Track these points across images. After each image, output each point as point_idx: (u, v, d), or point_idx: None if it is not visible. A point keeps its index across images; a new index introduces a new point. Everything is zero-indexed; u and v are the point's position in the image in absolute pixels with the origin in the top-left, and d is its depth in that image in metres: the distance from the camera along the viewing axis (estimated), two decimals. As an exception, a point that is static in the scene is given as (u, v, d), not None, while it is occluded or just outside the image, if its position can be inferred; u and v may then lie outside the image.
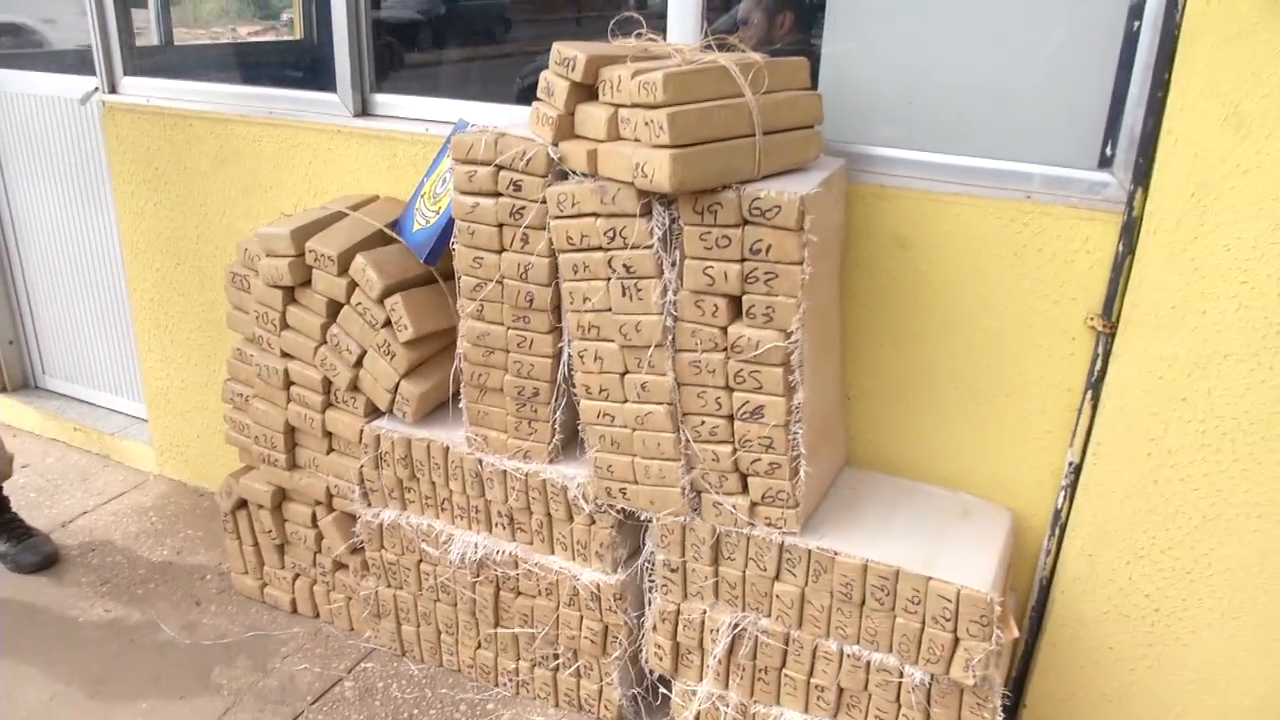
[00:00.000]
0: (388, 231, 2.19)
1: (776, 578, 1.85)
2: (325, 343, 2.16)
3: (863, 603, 1.78)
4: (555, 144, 1.72)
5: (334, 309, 2.15)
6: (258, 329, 2.24)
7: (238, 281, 2.28)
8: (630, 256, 1.68)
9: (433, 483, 2.15)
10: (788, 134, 1.65)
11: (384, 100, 2.42)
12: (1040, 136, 1.84)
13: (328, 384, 2.20)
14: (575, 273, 1.76)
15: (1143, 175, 1.68)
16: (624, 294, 1.72)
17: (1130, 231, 1.71)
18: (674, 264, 1.68)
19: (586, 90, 1.70)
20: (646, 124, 1.52)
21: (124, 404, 3.38)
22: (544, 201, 1.74)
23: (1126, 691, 1.93)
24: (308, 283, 2.15)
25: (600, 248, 1.71)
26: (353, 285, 2.10)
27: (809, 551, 1.80)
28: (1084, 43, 1.75)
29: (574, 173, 1.71)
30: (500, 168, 1.76)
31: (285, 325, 2.20)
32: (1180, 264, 1.67)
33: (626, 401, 1.82)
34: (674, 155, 1.49)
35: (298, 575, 2.49)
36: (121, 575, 2.65)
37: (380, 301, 2.06)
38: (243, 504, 2.48)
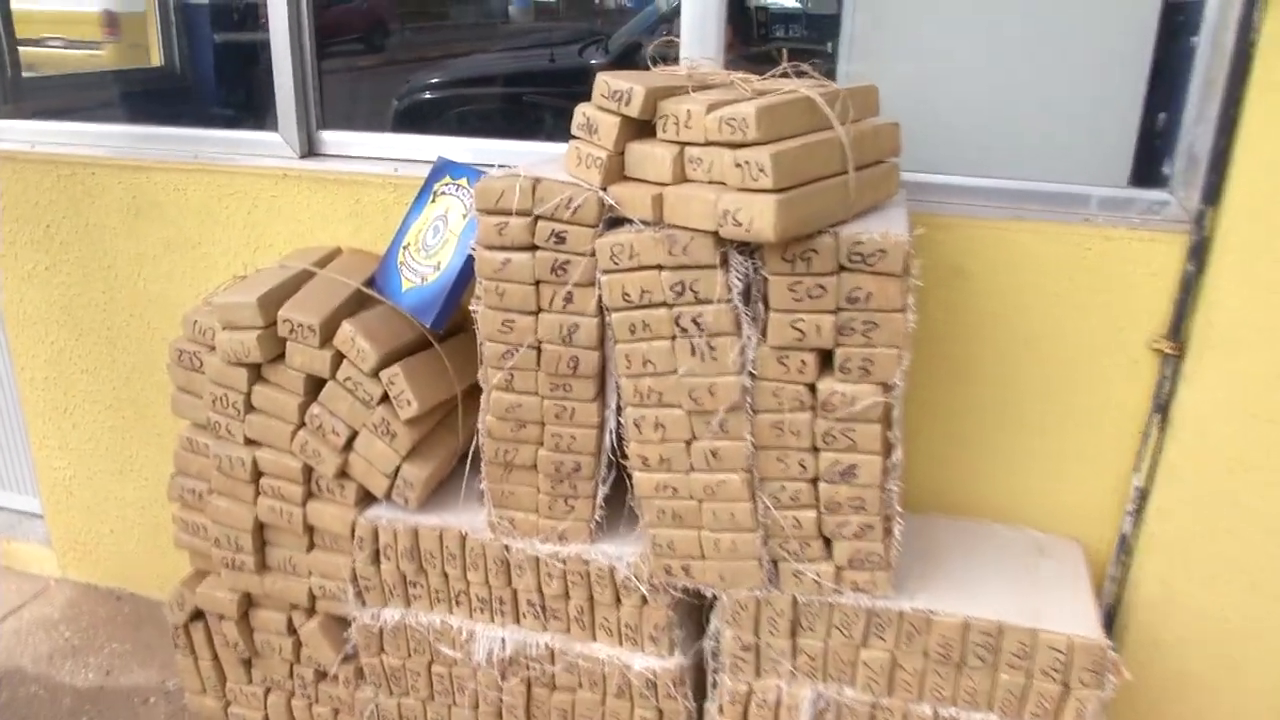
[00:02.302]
0: (367, 291, 1.90)
1: (863, 644, 1.70)
2: (304, 425, 1.85)
3: (962, 662, 1.65)
4: (604, 188, 1.50)
5: (314, 386, 1.84)
6: (214, 414, 1.90)
7: (185, 360, 1.93)
8: (703, 312, 1.49)
9: (445, 575, 1.88)
10: (873, 169, 1.50)
11: (334, 138, 2.12)
12: (1087, 155, 1.77)
13: (309, 472, 1.89)
14: (632, 333, 1.54)
15: (1213, 194, 1.63)
16: (694, 354, 1.52)
17: (1200, 251, 1.66)
18: (754, 318, 1.50)
19: (637, 127, 1.49)
20: (738, 165, 1.33)
21: (11, 499, 2.87)
22: (593, 254, 1.52)
23: (1205, 717, 1.89)
24: (280, 356, 1.84)
25: (665, 304, 1.51)
26: (338, 358, 1.80)
27: (901, 614, 1.66)
28: (1123, 59, 1.69)
29: (630, 221, 1.49)
30: (539, 218, 1.52)
31: (251, 408, 1.88)
32: (1257, 282, 1.63)
33: (693, 471, 1.62)
34: (780, 201, 1.30)
35: (270, 690, 2.15)
36: (43, 712, 2.23)
37: (375, 375, 1.78)
38: (198, 614, 2.12)
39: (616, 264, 1.51)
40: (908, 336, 1.46)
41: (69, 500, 2.62)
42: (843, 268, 1.43)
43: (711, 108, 1.38)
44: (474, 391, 1.84)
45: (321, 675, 2.09)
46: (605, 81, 1.47)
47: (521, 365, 1.64)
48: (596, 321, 1.57)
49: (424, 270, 1.82)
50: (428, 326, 1.76)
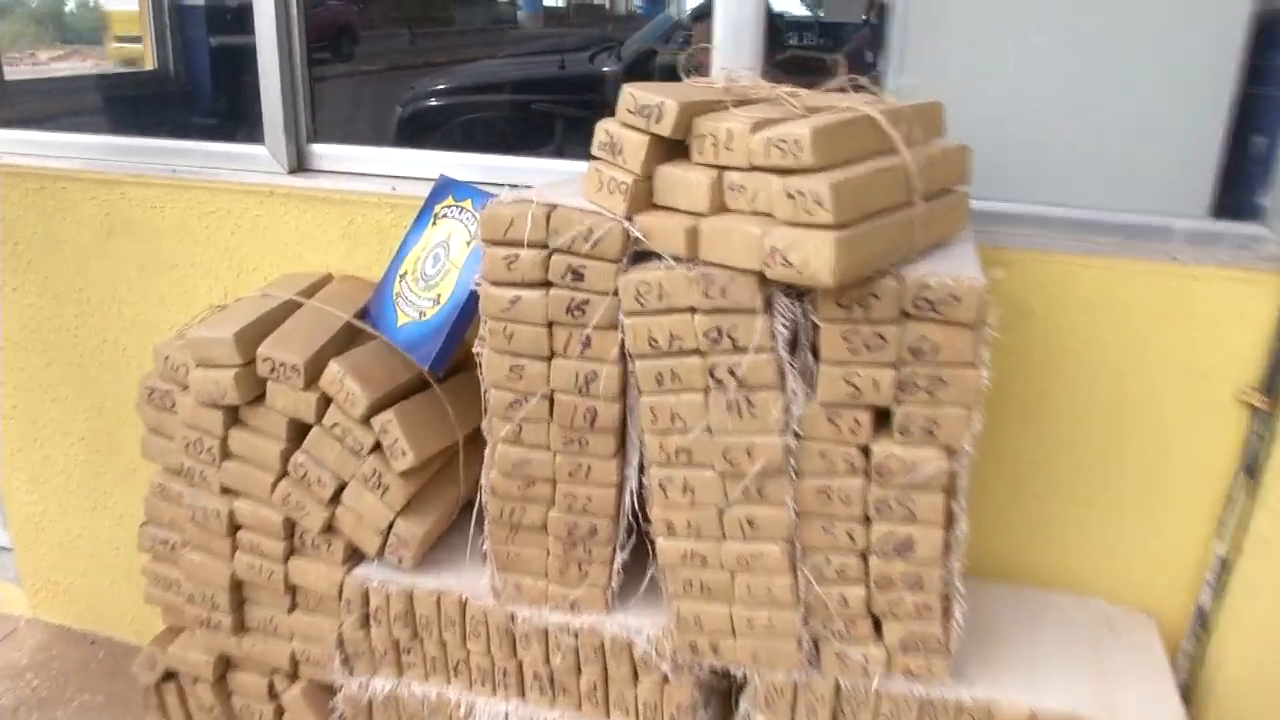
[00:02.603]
0: (359, 324, 1.71)
1: (916, 737, 1.50)
2: (287, 475, 1.65)
3: (1027, 760, 1.45)
4: (630, 218, 1.30)
5: (298, 431, 1.65)
6: (188, 459, 1.70)
7: (156, 399, 1.74)
8: (741, 363, 1.29)
9: (443, 642, 1.68)
10: (941, 199, 1.30)
11: (326, 152, 1.93)
12: (1165, 183, 1.57)
13: (291, 527, 1.70)
14: (659, 384, 1.35)
15: (1322, 229, 1.43)
16: (730, 410, 1.33)
17: (1304, 293, 1.46)
18: (801, 370, 1.30)
19: (668, 147, 1.30)
20: (790, 196, 1.13)
21: (-23, 534, 2.69)
22: (616, 294, 1.33)
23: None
24: (260, 398, 1.64)
25: (698, 352, 1.31)
26: (325, 401, 1.61)
27: (959, 704, 1.46)
28: (1203, 75, 1.50)
29: (659, 256, 1.30)
30: (554, 251, 1.33)
31: (228, 454, 1.68)
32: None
33: (725, 540, 1.42)
34: (839, 239, 1.11)
35: (249, 758, 1.95)
36: (0, 777, 2.04)
37: (366, 421, 1.58)
38: (170, 675, 1.92)
39: (643, 305, 1.31)
40: (980, 395, 1.26)
41: (40, 537, 2.43)
42: (907, 315, 1.23)
43: (757, 127, 1.19)
44: (477, 436, 1.64)
45: (305, 745, 1.89)
46: (632, 95, 1.28)
47: (531, 416, 1.44)
48: (618, 370, 1.37)
49: (422, 304, 1.62)
50: (425, 369, 1.56)
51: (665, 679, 1.57)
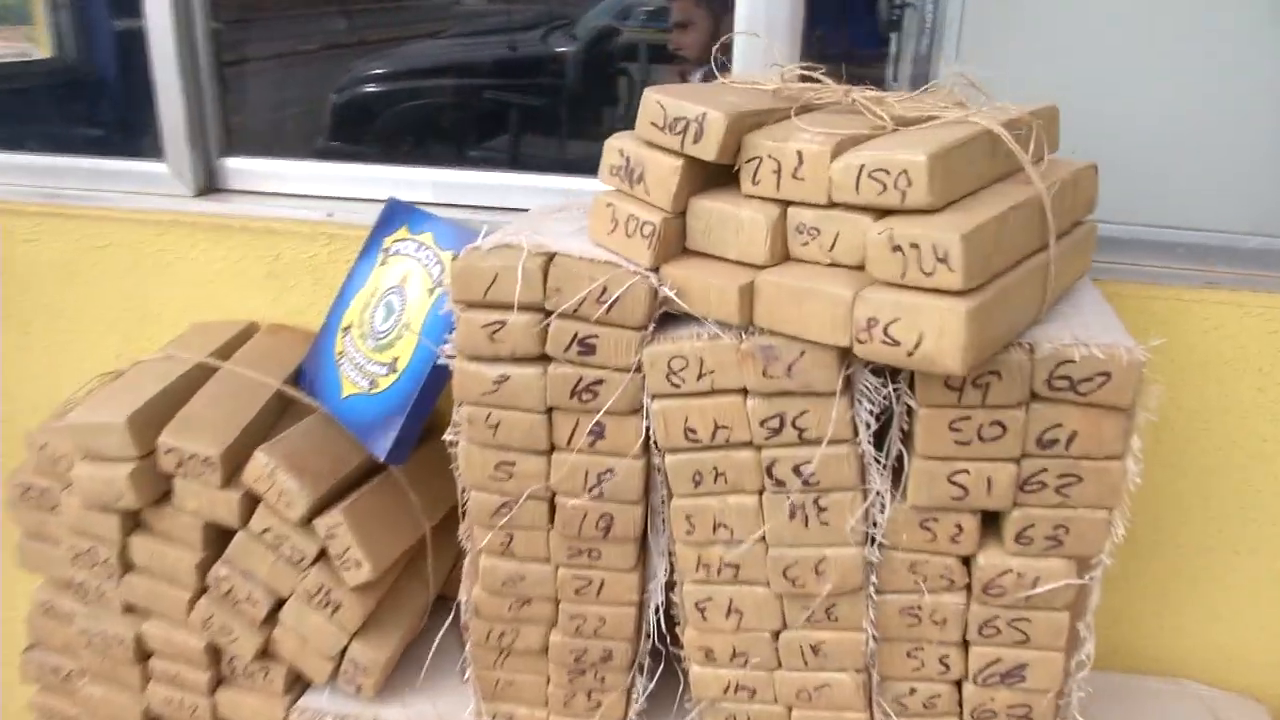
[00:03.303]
0: (291, 393, 1.35)
1: None
2: (206, 590, 1.30)
3: None
4: (656, 269, 0.97)
5: (218, 536, 1.29)
6: (79, 573, 1.34)
7: (33, 498, 1.36)
8: (811, 459, 0.97)
9: (417, 784, 1.35)
10: (1071, 235, 0.99)
11: (242, 167, 1.55)
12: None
13: (217, 652, 1.34)
14: (697, 484, 1.02)
15: None
16: (794, 516, 1.01)
17: None
18: (886, 465, 0.99)
19: (704, 172, 0.97)
20: (898, 248, 0.81)
21: None
22: (638, 370, 0.99)
23: None
24: (167, 495, 1.28)
25: (751, 445, 0.99)
26: (252, 500, 1.25)
27: None
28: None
29: (697, 320, 0.97)
30: (554, 316, 0.99)
31: (130, 566, 1.32)
32: None
33: (780, 669, 1.11)
34: (973, 311, 0.79)
35: None
36: None
37: (308, 523, 1.24)
38: (75, 823, 1.56)
39: (677, 386, 0.98)
40: (1124, 494, 0.96)
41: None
42: (1035, 396, 0.92)
43: (840, 148, 0.87)
44: (448, 520, 1.32)
45: None
46: (659, 103, 0.94)
47: (525, 523, 1.11)
48: (640, 465, 1.05)
49: (373, 370, 1.27)
50: (381, 458, 1.21)
51: (699, 824, 1.26)
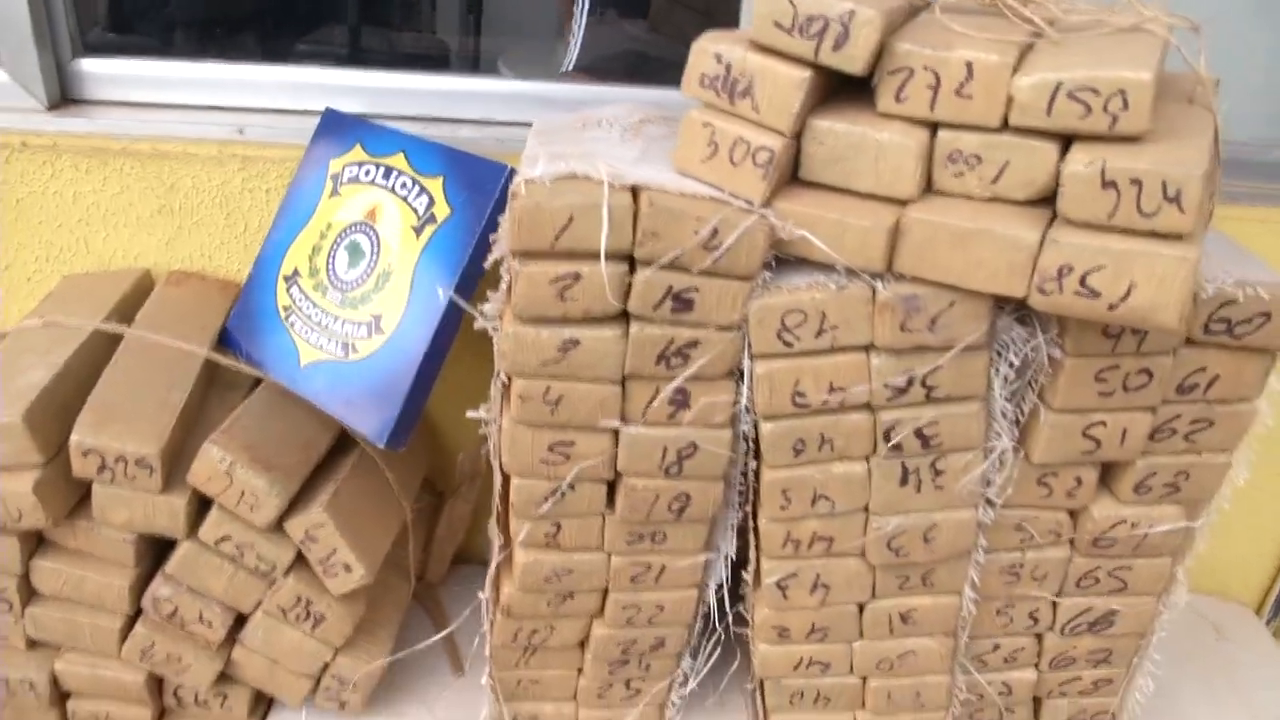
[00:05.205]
0: (225, 362, 1.08)
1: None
2: (142, 615, 1.04)
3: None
4: (769, 204, 0.79)
5: (151, 552, 1.03)
6: (-45, 609, 1.03)
7: (-125, 521, 1.03)
8: (940, 419, 0.85)
9: (417, 800, 1.18)
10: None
11: (114, 72, 1.19)
12: None
13: (159, 684, 1.09)
14: (797, 454, 0.88)
15: None
16: (906, 481, 0.89)
17: None
18: (1015, 424, 0.89)
19: (823, 84, 0.79)
20: (1110, 184, 0.68)
21: None
22: (739, 328, 0.83)
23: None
24: (80, 506, 1.00)
25: (868, 406, 0.85)
26: (200, 504, 0.99)
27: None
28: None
29: (812, 265, 0.81)
30: (651, 267, 0.80)
31: (34, 595, 1.03)
32: None
33: (861, 639, 1.01)
34: (1196, 262, 0.68)
35: None
36: None
37: (279, 525, 1.00)
38: None
39: (789, 344, 0.82)
40: (1245, 437, 0.91)
41: None
42: (1188, 341, 0.84)
43: (1023, 60, 0.72)
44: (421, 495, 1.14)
45: None
46: None
47: (577, 510, 0.93)
48: (728, 437, 0.89)
49: (345, 331, 1.02)
50: (381, 444, 0.98)
51: (741, 799, 1.17)
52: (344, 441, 1.11)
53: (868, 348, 0.83)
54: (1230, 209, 1.15)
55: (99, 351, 1.05)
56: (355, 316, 1.02)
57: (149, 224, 1.19)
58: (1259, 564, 1.44)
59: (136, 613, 1.04)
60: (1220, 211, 0.88)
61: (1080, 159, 0.70)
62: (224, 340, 1.12)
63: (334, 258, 1.05)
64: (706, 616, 1.04)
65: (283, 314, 1.08)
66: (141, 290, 1.16)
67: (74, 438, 0.93)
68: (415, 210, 1.01)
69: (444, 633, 1.21)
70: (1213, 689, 1.28)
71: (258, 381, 1.10)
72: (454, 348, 1.00)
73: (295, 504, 1.01)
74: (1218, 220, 0.89)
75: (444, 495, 1.26)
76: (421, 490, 1.23)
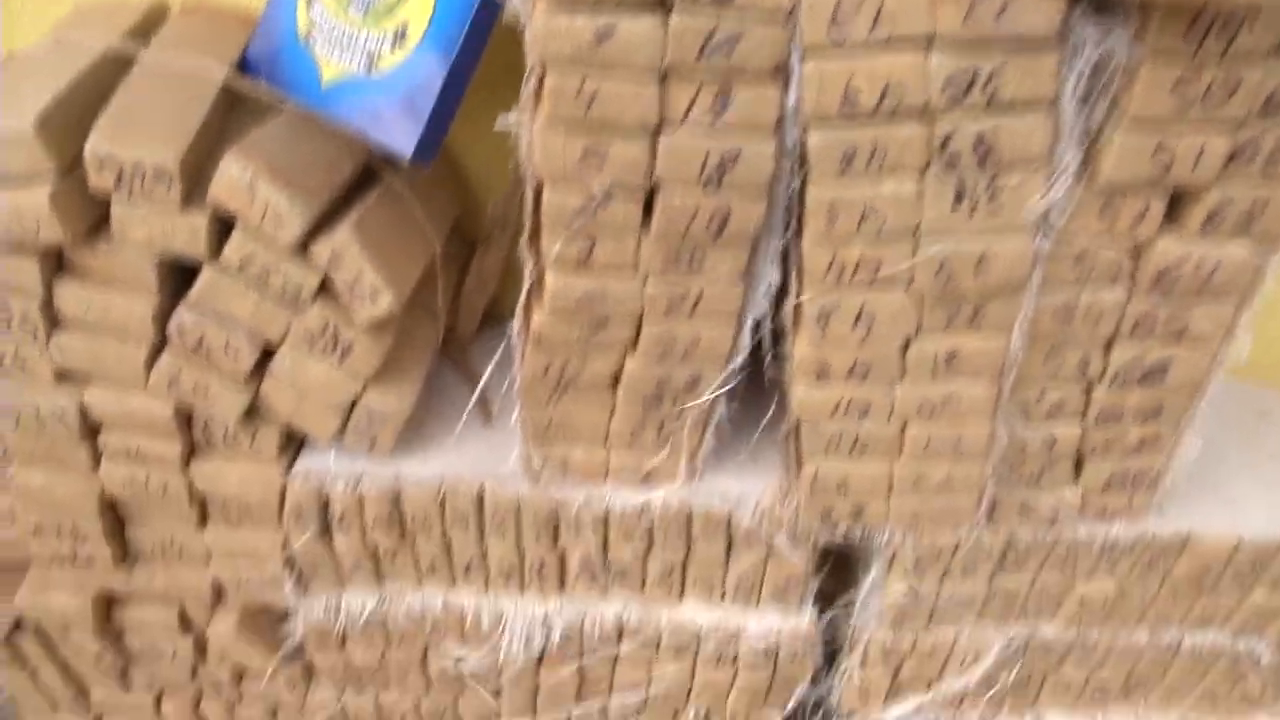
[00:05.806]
0: (244, 87, 1.02)
1: (1088, 578, 1.21)
2: (167, 343, 1.03)
3: (1213, 587, 1.21)
4: None
5: (176, 278, 1.01)
6: (-14, 333, 1.03)
7: (-104, 241, 1.01)
8: (1000, 129, 0.79)
9: (447, 544, 1.20)
10: None
11: None
12: None
13: (188, 417, 1.09)
14: (846, 166, 0.82)
15: None
16: (960, 200, 0.84)
17: None
18: (1083, 137, 0.82)
19: None
20: None
21: None
22: (788, 19, 0.76)
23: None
24: (101, 225, 0.97)
25: (924, 112, 0.79)
26: (222, 223, 0.96)
27: (1148, 542, 1.16)
28: None
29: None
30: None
31: (59, 323, 1.02)
32: None
33: (902, 380, 0.99)
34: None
35: (163, 695, 1.44)
36: None
37: (303, 249, 0.97)
38: (18, 624, 1.33)
39: (838, 39, 0.75)
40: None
41: None
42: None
43: None
44: (453, 237, 1.11)
45: (240, 673, 1.39)
46: None
47: (612, 224, 0.89)
48: (774, 145, 0.83)
49: (368, 43, 0.96)
50: (408, 158, 0.94)
51: (768, 552, 1.18)
52: (368, 178, 1.07)
53: (928, 42, 0.76)
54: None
55: (113, 73, 1.00)
56: (378, 29, 0.95)
57: (157, -58, 1.11)
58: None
59: (163, 343, 1.03)
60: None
61: None
62: (243, 66, 1.06)
63: (355, -33, 0.98)
64: (744, 357, 1.02)
65: (303, 38, 1.01)
66: (155, 18, 1.10)
67: (88, 146, 0.90)
68: (439, -91, 0.93)
69: (475, 383, 1.20)
70: (1255, 464, 1.26)
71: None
72: (487, 98, 0.93)
73: (319, 229, 0.97)
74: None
75: (475, 245, 1.23)
76: (452, 236, 1.19)
